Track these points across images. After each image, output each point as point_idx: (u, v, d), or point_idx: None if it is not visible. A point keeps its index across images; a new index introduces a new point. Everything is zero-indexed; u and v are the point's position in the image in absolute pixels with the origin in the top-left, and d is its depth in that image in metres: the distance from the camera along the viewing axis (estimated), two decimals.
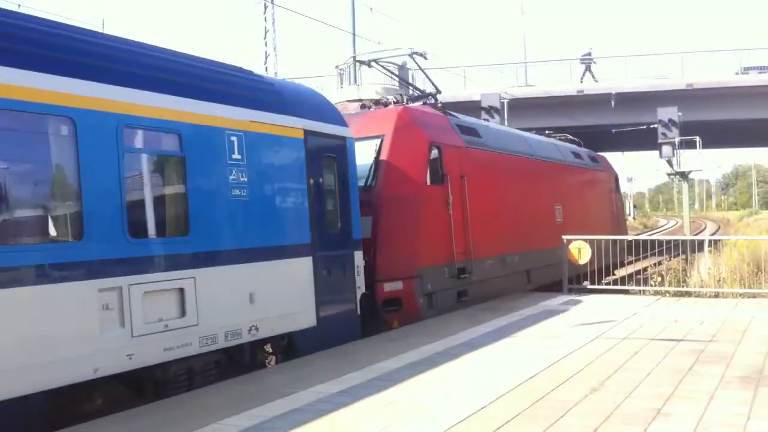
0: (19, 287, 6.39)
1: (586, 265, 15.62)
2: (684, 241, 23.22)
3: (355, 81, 33.26)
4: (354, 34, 32.25)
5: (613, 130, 33.35)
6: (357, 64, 32.85)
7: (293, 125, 9.92)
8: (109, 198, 7.28)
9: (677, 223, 70.28)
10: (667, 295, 15.01)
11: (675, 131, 28.52)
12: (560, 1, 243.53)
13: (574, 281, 15.84)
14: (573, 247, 15.60)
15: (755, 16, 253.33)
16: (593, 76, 36.52)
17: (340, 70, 35.05)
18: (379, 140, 12.76)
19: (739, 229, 55.90)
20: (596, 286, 15.57)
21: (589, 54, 37.39)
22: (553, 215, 18.83)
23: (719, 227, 68.02)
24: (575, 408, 6.65)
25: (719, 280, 15.85)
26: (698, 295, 14.95)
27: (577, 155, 22.32)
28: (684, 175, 32.05)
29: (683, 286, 15.69)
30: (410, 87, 16.68)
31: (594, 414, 6.42)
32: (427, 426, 6.23)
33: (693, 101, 33.12)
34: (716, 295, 14.78)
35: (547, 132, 22.62)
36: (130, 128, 7.65)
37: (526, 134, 19.86)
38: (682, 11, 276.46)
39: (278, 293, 9.39)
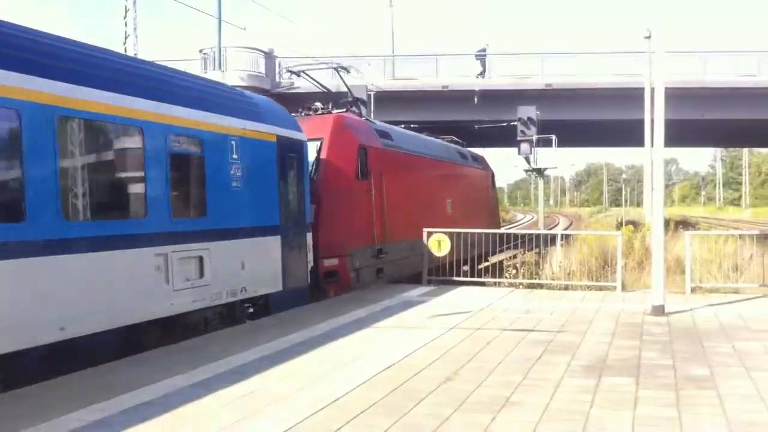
0: (113, 251, 8.86)
1: (446, 256, 15.99)
2: (539, 235, 24.22)
3: (220, 66, 32.59)
4: (220, 19, 31.48)
5: (476, 126, 34.18)
6: (223, 50, 32.33)
7: (269, 131, 12.56)
8: (161, 187, 9.81)
9: (533, 217, 73.10)
10: (521, 287, 15.51)
11: (533, 129, 29.42)
12: None
13: (434, 272, 16.18)
14: (433, 240, 15.92)
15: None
16: (484, 72, 36.94)
17: (204, 54, 34.21)
18: (320, 142, 15.05)
19: (590, 225, 58.81)
20: (454, 278, 15.93)
21: (484, 50, 37.73)
22: (445, 207, 21.59)
23: (572, 222, 71.25)
24: (429, 397, 6.76)
25: (569, 273, 16.54)
26: (549, 287, 15.50)
27: (462, 155, 25.49)
28: (540, 172, 33.23)
29: (536, 279, 16.24)
30: (335, 95, 18.39)
31: (447, 403, 6.54)
32: (282, 417, 6.16)
33: (551, 101, 34.38)
34: (566, 288, 15.39)
35: (412, 126, 23.31)
36: (174, 135, 10.13)
37: (426, 137, 22.46)
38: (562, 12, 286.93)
39: (259, 263, 12.05)
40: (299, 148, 13.52)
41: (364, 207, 15.88)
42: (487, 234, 18.31)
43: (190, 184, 10.82)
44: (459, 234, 16.22)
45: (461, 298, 13.63)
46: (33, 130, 7.81)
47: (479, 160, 28.09)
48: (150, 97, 9.66)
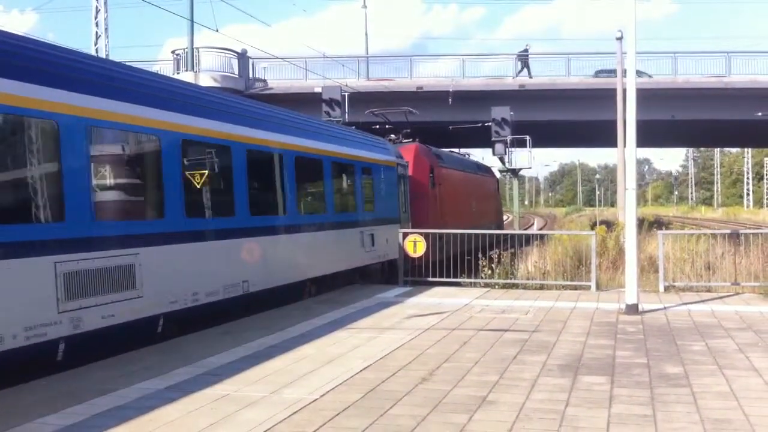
0: (343, 229, 16.06)
1: (421, 257, 16.03)
2: (513, 236, 24.38)
3: (193, 68, 32.38)
4: (192, 20, 31.17)
5: (450, 127, 34.28)
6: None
7: (392, 160, 19.89)
8: (360, 195, 17.23)
9: (509, 218, 73.34)
10: (497, 287, 15.54)
11: (507, 130, 29.61)
12: None
13: (411, 273, 16.22)
14: (408, 241, 15.94)
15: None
16: (530, 73, 37.15)
17: (177, 55, 33.97)
18: (408, 163, 21.67)
19: (564, 225, 59.16)
20: (430, 279, 15.94)
21: (526, 51, 37.78)
22: (471, 206, 29.46)
23: (546, 222, 71.64)
24: (405, 398, 6.75)
25: (544, 273, 16.61)
26: (525, 286, 15.57)
27: (479, 167, 34.61)
28: (515, 173, 33.45)
29: (511, 279, 16.26)
30: (392, 125, 26.06)
31: (423, 403, 6.54)
32: (258, 419, 6.11)
33: (525, 102, 34.59)
34: (541, 287, 15.45)
35: (387, 126, 23.53)
36: (364, 166, 17.43)
37: (458, 155, 31.01)
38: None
39: (391, 240, 18.16)
40: (405, 169, 21.06)
41: (434, 206, 23.69)
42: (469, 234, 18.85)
43: (367, 192, 17.81)
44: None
45: (437, 298, 13.64)
46: (328, 170, 15.35)
47: (489, 171, 37.23)
48: (357, 148, 17.25)
